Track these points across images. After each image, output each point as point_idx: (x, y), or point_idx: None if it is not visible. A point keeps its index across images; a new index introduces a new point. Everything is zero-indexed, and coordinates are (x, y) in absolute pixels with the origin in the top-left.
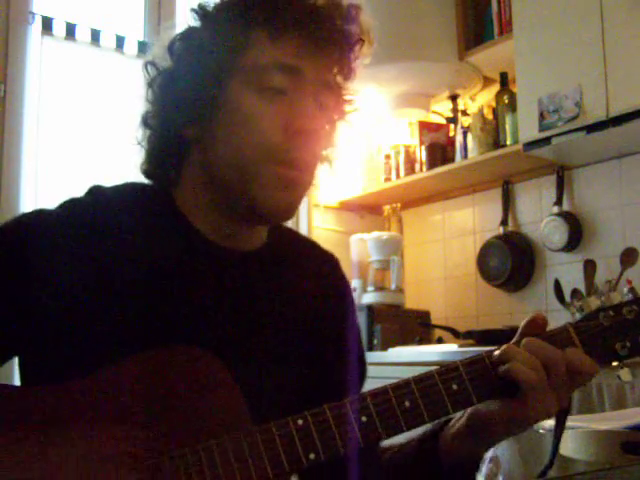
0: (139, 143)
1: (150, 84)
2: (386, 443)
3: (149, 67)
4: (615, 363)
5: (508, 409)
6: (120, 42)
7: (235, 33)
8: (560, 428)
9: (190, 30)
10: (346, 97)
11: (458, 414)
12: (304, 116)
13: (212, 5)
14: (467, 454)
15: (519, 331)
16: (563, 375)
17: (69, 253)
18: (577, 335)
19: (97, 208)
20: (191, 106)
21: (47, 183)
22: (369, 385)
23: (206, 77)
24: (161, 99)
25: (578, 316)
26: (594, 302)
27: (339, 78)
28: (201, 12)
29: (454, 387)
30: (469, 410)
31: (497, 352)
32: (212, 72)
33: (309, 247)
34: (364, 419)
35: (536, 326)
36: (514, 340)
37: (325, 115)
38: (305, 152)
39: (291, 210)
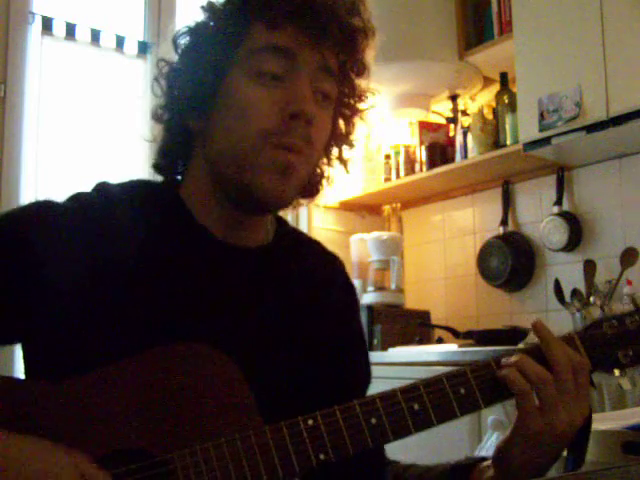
0: (154, 139)
1: (157, 77)
2: (407, 463)
3: (160, 63)
4: (617, 371)
5: (519, 424)
6: (120, 42)
7: (234, 25)
8: (581, 437)
9: (194, 24)
10: (357, 90)
11: (485, 463)
12: (300, 99)
13: (217, 2)
14: None
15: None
16: (570, 381)
17: (76, 247)
18: (582, 344)
19: (104, 204)
20: (193, 98)
21: (47, 183)
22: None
23: (207, 68)
24: (167, 92)
25: (578, 316)
26: (595, 310)
27: (347, 70)
28: (207, 7)
29: (462, 391)
30: (494, 457)
31: (505, 359)
32: (212, 63)
33: (314, 247)
34: (373, 421)
35: (541, 332)
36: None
37: (328, 106)
38: (300, 138)
39: (285, 196)
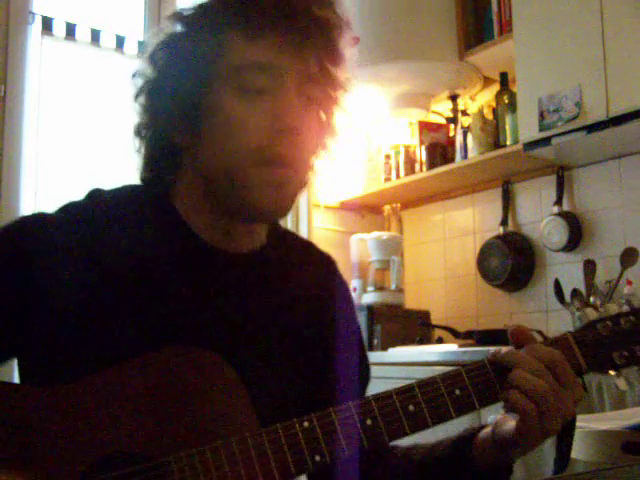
0: (137, 151)
1: (137, 95)
2: (409, 444)
3: (136, 80)
4: (612, 372)
5: (519, 435)
6: (120, 42)
7: (212, 38)
8: (568, 438)
9: (169, 38)
10: (337, 83)
11: (484, 433)
12: (287, 114)
13: (189, 11)
14: (497, 460)
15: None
16: (570, 373)
17: (69, 257)
18: (576, 344)
19: (96, 212)
20: (177, 114)
21: (47, 183)
22: (369, 385)
23: (188, 84)
24: (149, 109)
25: (578, 316)
26: (592, 313)
27: (327, 66)
28: (178, 19)
29: (457, 392)
30: (495, 421)
31: (499, 357)
32: (193, 79)
33: (307, 249)
34: (369, 422)
35: (521, 334)
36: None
37: (312, 108)
38: (292, 150)
39: (283, 209)
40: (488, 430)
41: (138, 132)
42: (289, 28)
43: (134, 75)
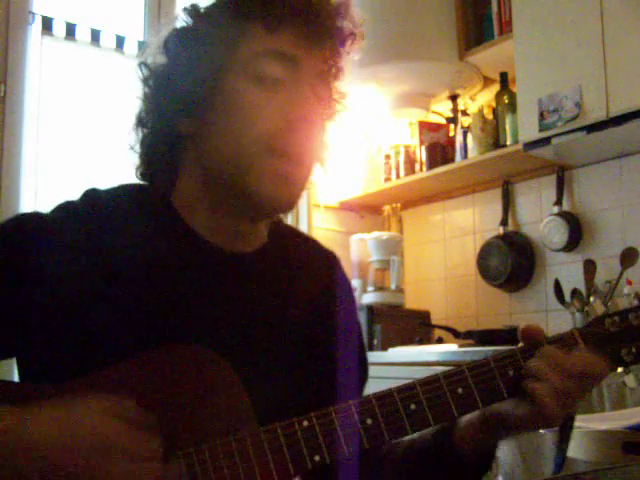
0: (131, 147)
1: (146, 81)
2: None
3: (143, 67)
4: (620, 369)
5: (520, 412)
6: (120, 42)
7: (232, 26)
8: (567, 433)
9: (184, 27)
10: (335, 96)
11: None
12: (301, 104)
13: (206, 4)
14: (481, 444)
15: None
16: (577, 378)
17: (65, 256)
18: (583, 340)
19: (92, 212)
20: (187, 100)
21: (47, 183)
22: (369, 385)
23: (203, 70)
24: (157, 95)
25: (578, 316)
26: (599, 307)
27: (331, 75)
28: (194, 11)
29: (459, 391)
30: (480, 415)
31: (504, 357)
32: (209, 65)
33: (309, 246)
34: (369, 421)
35: (534, 334)
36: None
37: (321, 106)
38: (301, 141)
39: (292, 203)
40: (473, 414)
41: (140, 120)
42: (310, 24)
43: (142, 64)
